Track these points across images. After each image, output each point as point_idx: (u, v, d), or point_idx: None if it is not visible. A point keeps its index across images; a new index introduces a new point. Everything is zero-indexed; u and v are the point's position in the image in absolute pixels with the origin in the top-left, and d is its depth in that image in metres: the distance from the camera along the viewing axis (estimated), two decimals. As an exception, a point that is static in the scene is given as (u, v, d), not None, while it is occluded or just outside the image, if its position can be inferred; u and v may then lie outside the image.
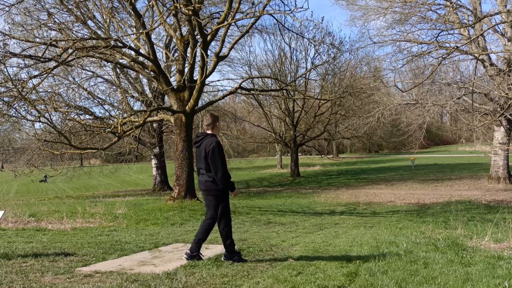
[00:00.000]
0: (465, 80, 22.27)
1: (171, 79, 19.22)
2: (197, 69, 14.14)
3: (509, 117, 19.69)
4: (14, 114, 12.53)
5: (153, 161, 27.16)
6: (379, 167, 39.45)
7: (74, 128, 16.78)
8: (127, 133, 12.76)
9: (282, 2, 14.67)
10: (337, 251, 5.92)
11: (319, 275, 4.49)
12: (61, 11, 14.73)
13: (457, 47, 17.55)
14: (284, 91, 24.16)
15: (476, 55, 18.66)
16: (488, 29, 19.60)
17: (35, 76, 11.66)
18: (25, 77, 12.05)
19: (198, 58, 14.09)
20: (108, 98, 23.62)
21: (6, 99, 11.85)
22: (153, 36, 23.63)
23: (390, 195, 20.09)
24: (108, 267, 4.92)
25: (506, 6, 19.14)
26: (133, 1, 14.10)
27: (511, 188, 20.20)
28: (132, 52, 13.41)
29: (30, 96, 11.71)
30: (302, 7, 10.42)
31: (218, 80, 25.56)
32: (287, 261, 5.26)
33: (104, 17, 20.03)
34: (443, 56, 16.78)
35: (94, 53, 12.31)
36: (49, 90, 15.64)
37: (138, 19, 14.44)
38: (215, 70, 14.74)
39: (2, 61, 10.73)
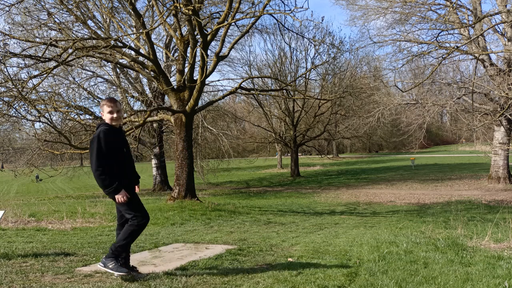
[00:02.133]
0: (465, 80, 22.27)
1: (171, 79, 19.22)
2: (197, 69, 14.14)
3: (509, 117, 19.69)
4: (14, 114, 12.54)
5: (153, 161, 27.18)
6: (379, 167, 39.46)
7: (74, 128, 16.80)
8: (127, 133, 12.76)
9: (282, 2, 14.71)
10: (337, 251, 5.92)
11: (319, 275, 4.49)
12: (61, 11, 14.72)
13: (457, 47, 17.55)
14: (284, 91, 24.17)
15: (476, 55, 18.66)
16: (488, 29, 19.60)
17: (35, 76, 11.66)
18: (25, 77, 12.07)
19: (198, 58, 14.08)
20: (108, 98, 23.61)
21: (6, 99, 11.86)
22: (153, 36, 23.65)
23: (390, 195, 20.10)
24: (108, 267, 4.91)
25: (506, 6, 19.14)
26: (133, 1, 14.10)
27: (511, 188, 20.20)
28: (132, 52, 13.40)
29: (30, 96, 11.71)
30: (302, 7, 10.42)
31: (218, 80, 25.53)
32: (287, 261, 5.26)
33: (104, 17, 20.04)
34: (443, 56, 16.78)
35: (94, 53, 12.31)
36: (49, 90, 15.64)
37: (138, 19, 14.44)
38: (215, 70, 14.75)
39: (2, 61, 10.73)
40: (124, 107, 22.48)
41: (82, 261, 5.20)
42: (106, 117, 4.34)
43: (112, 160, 4.24)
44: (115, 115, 4.32)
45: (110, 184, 4.19)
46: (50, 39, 11.37)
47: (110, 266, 4.29)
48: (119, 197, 4.21)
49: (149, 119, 14.81)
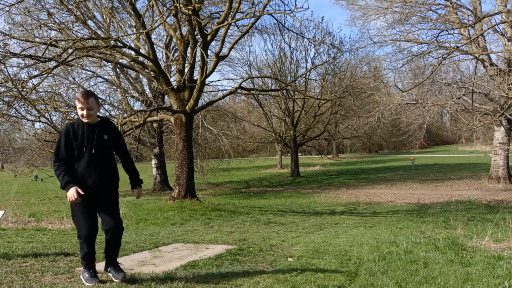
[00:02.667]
0: (465, 80, 22.28)
1: (171, 79, 19.22)
2: (197, 69, 14.14)
3: (509, 117, 19.69)
4: (14, 114, 12.55)
5: (153, 161, 27.17)
6: (379, 167, 39.45)
7: (74, 128, 16.74)
8: (127, 133, 12.75)
9: (282, 2, 14.71)
10: (337, 251, 5.92)
11: (319, 275, 4.49)
12: (61, 11, 14.73)
13: (457, 47, 17.55)
14: (284, 91, 24.16)
15: (476, 55, 18.66)
16: (488, 29, 19.60)
17: (35, 76, 11.66)
18: (25, 77, 12.06)
19: (198, 58, 14.08)
20: (108, 98, 23.64)
21: (6, 99, 11.86)
22: (153, 36, 23.65)
23: (390, 195, 20.10)
24: (108, 267, 4.91)
25: (506, 6, 19.15)
26: (133, 1, 14.10)
27: (511, 188, 20.20)
28: (132, 52, 13.41)
29: (30, 96, 11.71)
30: (302, 7, 10.42)
31: (218, 80, 25.53)
32: (287, 261, 5.25)
33: (104, 17, 20.03)
34: (443, 56, 16.78)
35: (94, 53, 12.31)
36: (49, 90, 15.64)
37: (138, 19, 14.44)
38: (215, 70, 14.75)
39: (2, 61, 10.73)
40: (124, 107, 22.48)
41: (82, 261, 5.19)
42: (78, 113, 4.07)
43: (72, 157, 3.98)
44: (84, 112, 3.97)
45: (60, 180, 3.91)
46: (50, 39, 11.37)
47: (85, 277, 4.12)
48: (69, 196, 3.86)
49: (149, 119, 14.81)
